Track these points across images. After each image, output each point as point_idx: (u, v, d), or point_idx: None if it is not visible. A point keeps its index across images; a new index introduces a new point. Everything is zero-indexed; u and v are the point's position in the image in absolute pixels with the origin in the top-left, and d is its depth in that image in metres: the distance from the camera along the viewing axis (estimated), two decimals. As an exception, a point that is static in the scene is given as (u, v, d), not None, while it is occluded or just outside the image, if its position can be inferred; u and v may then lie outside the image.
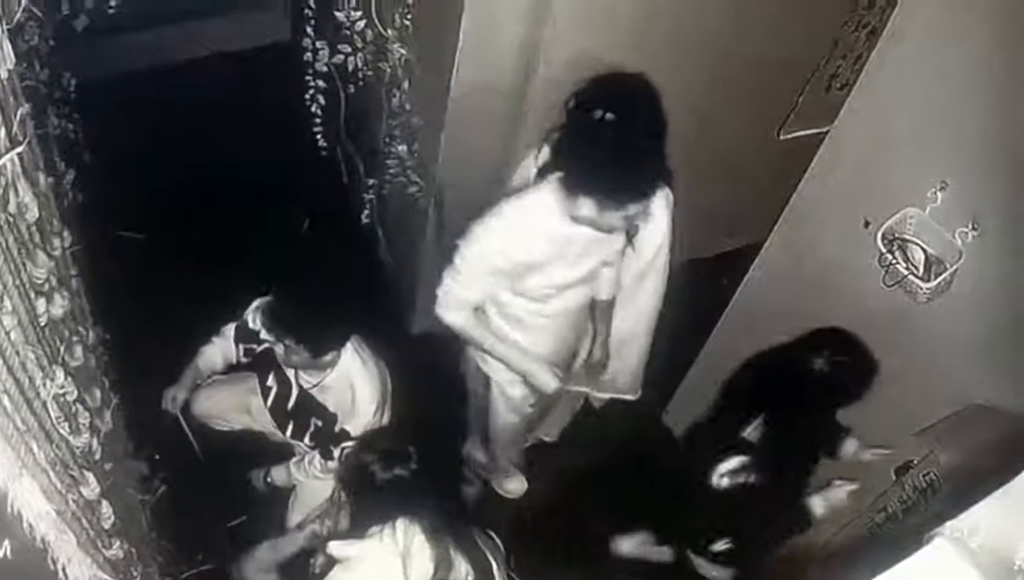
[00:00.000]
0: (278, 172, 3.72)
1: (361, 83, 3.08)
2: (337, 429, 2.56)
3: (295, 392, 2.61)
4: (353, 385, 2.51)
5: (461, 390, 3.07)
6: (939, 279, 2.22)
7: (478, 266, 2.35)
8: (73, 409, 1.63)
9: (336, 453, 2.57)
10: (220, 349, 2.70)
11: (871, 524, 2.48)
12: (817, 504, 2.47)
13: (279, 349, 2.41)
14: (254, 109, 3.77)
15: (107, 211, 3.07)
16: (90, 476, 1.66)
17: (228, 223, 3.61)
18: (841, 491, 2.48)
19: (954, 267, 2.21)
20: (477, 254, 2.34)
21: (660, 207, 2.45)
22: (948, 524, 1.05)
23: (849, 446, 2.55)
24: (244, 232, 3.56)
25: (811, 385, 2.32)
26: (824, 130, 2.62)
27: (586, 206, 2.20)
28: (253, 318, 2.57)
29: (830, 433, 2.54)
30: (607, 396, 3.05)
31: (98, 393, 1.88)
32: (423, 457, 2.10)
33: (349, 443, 2.52)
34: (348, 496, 2.22)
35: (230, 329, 2.68)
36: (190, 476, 2.89)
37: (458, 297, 2.41)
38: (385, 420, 2.58)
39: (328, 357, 2.45)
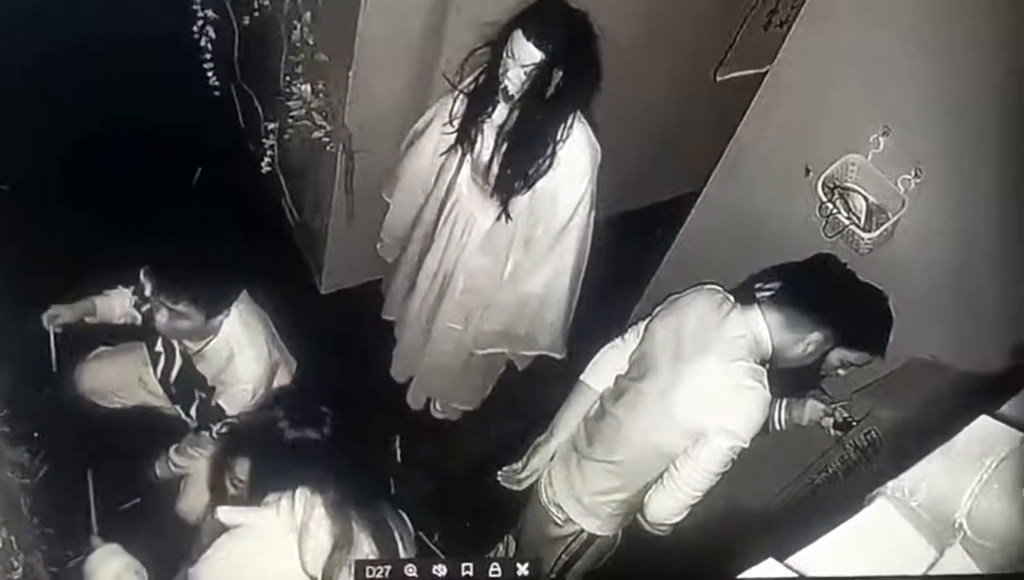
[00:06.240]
0: (163, 115, 3.52)
1: (256, 13, 2.97)
2: (213, 403, 2.54)
3: (178, 361, 2.59)
4: (234, 354, 2.48)
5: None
6: (881, 229, 2.26)
7: None
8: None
9: (214, 429, 2.56)
10: (118, 301, 2.63)
11: (813, 486, 2.53)
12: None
13: (162, 316, 2.35)
14: (133, 42, 3.53)
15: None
16: (-38, 461, 1.62)
17: (108, 174, 3.44)
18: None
19: (896, 216, 2.24)
20: None
21: (576, 163, 2.51)
22: (889, 484, 1.10)
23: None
24: (127, 184, 3.40)
25: None
26: (763, 71, 2.63)
27: None
28: (145, 281, 2.50)
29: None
30: (533, 354, 3.02)
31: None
32: (337, 424, 2.04)
33: (227, 420, 2.51)
34: (250, 455, 2.13)
35: (127, 291, 2.64)
36: (74, 456, 2.77)
37: None
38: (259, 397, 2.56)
39: (218, 319, 2.42)
